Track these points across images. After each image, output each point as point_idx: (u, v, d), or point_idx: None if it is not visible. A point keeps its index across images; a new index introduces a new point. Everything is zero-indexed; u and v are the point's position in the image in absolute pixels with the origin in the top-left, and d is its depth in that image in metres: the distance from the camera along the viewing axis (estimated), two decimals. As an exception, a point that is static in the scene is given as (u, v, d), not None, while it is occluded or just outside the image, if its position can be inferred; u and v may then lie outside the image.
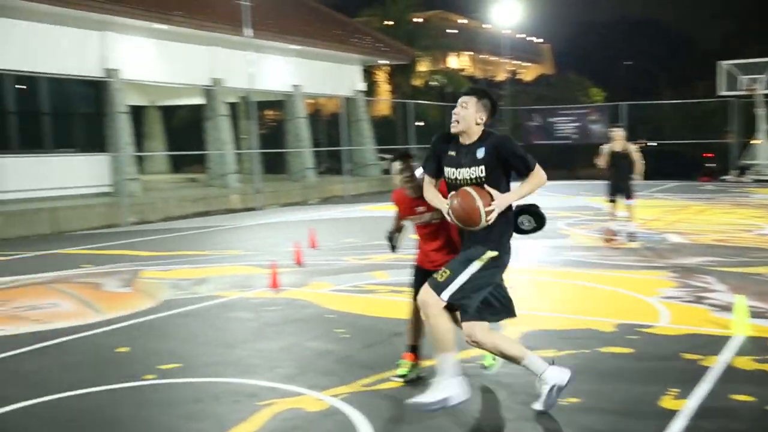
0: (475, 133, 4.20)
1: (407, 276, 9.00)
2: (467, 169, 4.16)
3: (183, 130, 28.59)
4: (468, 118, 4.17)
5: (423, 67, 36.01)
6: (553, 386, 4.32)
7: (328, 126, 33.47)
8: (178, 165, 28.89)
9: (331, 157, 29.88)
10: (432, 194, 4.39)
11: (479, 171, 4.13)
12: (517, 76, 60.09)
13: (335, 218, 16.49)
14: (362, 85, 27.14)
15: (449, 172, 4.25)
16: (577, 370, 5.28)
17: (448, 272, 4.14)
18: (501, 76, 50.02)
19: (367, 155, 26.39)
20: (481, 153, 4.13)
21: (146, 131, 27.46)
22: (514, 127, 31.62)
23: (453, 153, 4.23)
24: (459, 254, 4.28)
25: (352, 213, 17.61)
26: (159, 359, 5.70)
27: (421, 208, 4.77)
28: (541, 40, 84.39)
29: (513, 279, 8.59)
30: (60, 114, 17.31)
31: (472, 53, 66.94)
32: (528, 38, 75.89)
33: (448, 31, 48.44)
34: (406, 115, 26.65)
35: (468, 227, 4.14)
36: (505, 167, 4.19)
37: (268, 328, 6.61)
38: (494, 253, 4.19)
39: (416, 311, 4.95)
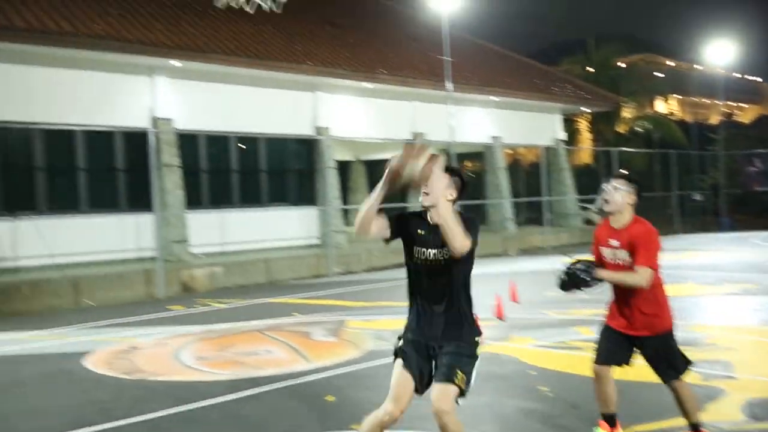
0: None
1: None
2: (437, 250, 3.89)
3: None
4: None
5: (628, 113, 34.77)
6: None
7: (528, 176, 33.18)
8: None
9: (530, 208, 29.51)
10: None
11: (448, 252, 3.82)
12: (733, 118, 56.20)
13: (535, 270, 16.20)
14: (563, 134, 26.71)
15: (418, 251, 3.95)
16: (816, 446, 4.73)
17: (461, 375, 3.90)
18: (714, 119, 47.05)
19: (568, 205, 25.78)
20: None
21: (351, 185, 28.82)
22: (730, 173, 29.47)
23: (423, 232, 3.95)
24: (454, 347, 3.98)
25: (553, 265, 17.16)
26: (364, 409, 5.84)
27: (614, 242, 4.65)
28: (760, 79, 78.52)
29: (736, 339, 7.96)
30: (275, 171, 18.66)
31: (681, 96, 63.73)
32: (745, 77, 70.91)
33: (655, 74, 46.57)
34: (610, 163, 25.77)
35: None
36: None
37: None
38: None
39: (599, 374, 4.78)
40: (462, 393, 3.90)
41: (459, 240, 3.67)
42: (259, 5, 12.08)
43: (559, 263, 4.86)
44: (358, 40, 21.32)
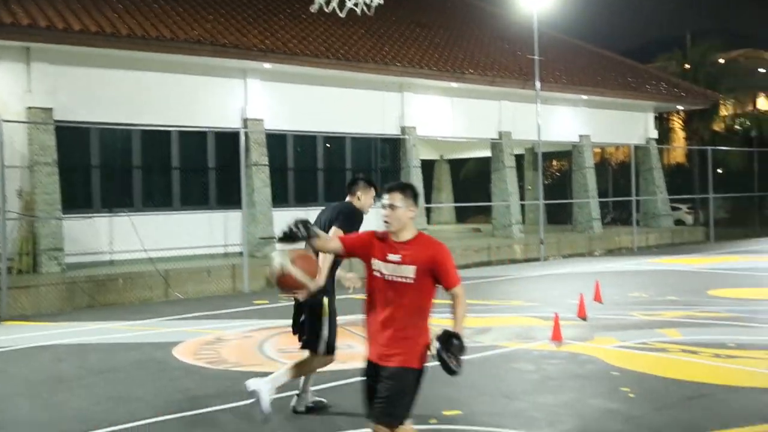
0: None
1: (701, 335, 8.35)
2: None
3: (470, 181, 29.54)
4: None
5: (726, 110, 33.41)
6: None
7: (616, 175, 32.35)
8: (463, 215, 29.82)
9: (618, 208, 28.76)
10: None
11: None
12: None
13: (621, 271, 15.81)
14: (654, 133, 25.92)
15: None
16: None
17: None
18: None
19: (659, 205, 24.99)
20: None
21: (435, 184, 28.85)
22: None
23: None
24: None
25: (639, 266, 16.75)
26: (442, 405, 5.89)
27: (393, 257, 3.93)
28: None
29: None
30: (361, 169, 18.86)
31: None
32: None
33: (758, 70, 44.44)
34: (705, 162, 24.83)
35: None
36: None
37: (550, 382, 6.51)
38: None
39: None
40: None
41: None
42: (352, 8, 12.21)
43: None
44: (446, 40, 21.28)
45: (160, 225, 14.64)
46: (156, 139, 15.19)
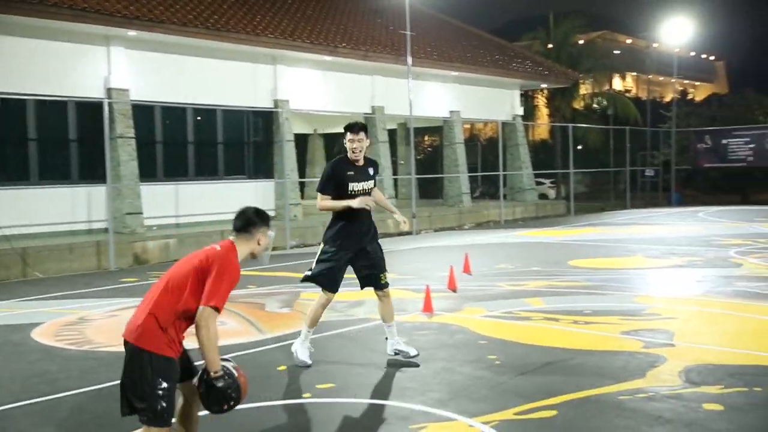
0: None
1: (561, 303, 8.82)
2: (364, 183, 6.23)
3: (343, 156, 29.59)
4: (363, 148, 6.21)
5: (585, 89, 35.12)
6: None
7: (485, 151, 33.41)
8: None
9: (486, 182, 29.78)
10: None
11: (371, 184, 6.30)
12: (688, 97, 57.12)
13: (489, 243, 16.41)
14: (520, 110, 26.92)
15: (352, 186, 6.18)
16: (749, 408, 4.93)
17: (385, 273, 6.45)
18: (668, 97, 47.83)
19: (524, 180, 26.07)
20: (371, 171, 6.33)
21: (309, 158, 28.72)
22: (680, 150, 30.06)
23: (352, 172, 6.17)
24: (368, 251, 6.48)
25: (506, 238, 17.45)
26: (316, 379, 5.93)
27: None
28: (713, 58, 79.85)
29: (679, 310, 8.21)
30: (232, 143, 18.49)
31: (637, 74, 64.52)
32: (700, 56, 72.02)
33: (613, 52, 46.96)
34: (566, 138, 26.09)
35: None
36: None
37: (421, 352, 6.67)
38: None
39: None
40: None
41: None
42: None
43: None
44: (319, 13, 21.11)
45: (16, 200, 13.79)
46: (11, 109, 14.22)
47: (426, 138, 36.04)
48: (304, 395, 5.49)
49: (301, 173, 23.33)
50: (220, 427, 4.77)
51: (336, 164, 6.25)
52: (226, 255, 3.85)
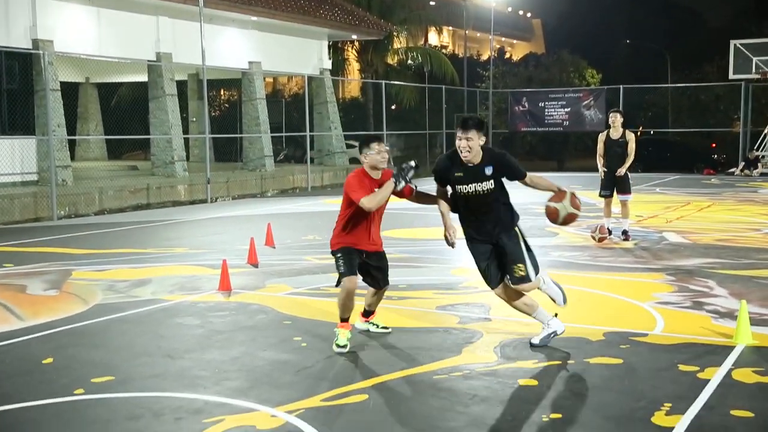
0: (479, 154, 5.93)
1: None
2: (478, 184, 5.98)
3: (124, 110, 28.30)
4: (475, 147, 5.91)
5: (399, 43, 35.99)
6: (554, 332, 6.11)
7: (290, 108, 33.38)
8: (116, 151, 28.64)
9: (291, 144, 29.82)
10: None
11: (489, 184, 5.95)
12: (506, 56, 60.32)
13: (295, 212, 16.48)
14: (328, 63, 27.10)
15: (460, 188, 6.09)
16: (563, 382, 5.36)
17: (521, 264, 5.98)
18: (486, 54, 50.24)
19: (334, 142, 26.37)
20: (489, 170, 5.93)
21: (81, 112, 27.15)
22: (497, 113, 31.78)
23: (461, 174, 6.02)
24: (502, 246, 6.03)
25: (314, 207, 17.61)
26: (91, 372, 5.68)
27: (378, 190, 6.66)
28: (530, 15, 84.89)
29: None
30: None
31: (454, 29, 67.17)
32: (518, 12, 76.20)
33: (430, 2, 48.45)
34: (380, 96, 26.67)
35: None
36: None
37: (217, 336, 6.60)
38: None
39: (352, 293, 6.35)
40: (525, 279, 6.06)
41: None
42: None
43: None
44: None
45: None
46: None
47: (223, 92, 35.37)
48: (75, 392, 5.24)
49: (71, 130, 22.07)
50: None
51: (442, 160, 6.49)
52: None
